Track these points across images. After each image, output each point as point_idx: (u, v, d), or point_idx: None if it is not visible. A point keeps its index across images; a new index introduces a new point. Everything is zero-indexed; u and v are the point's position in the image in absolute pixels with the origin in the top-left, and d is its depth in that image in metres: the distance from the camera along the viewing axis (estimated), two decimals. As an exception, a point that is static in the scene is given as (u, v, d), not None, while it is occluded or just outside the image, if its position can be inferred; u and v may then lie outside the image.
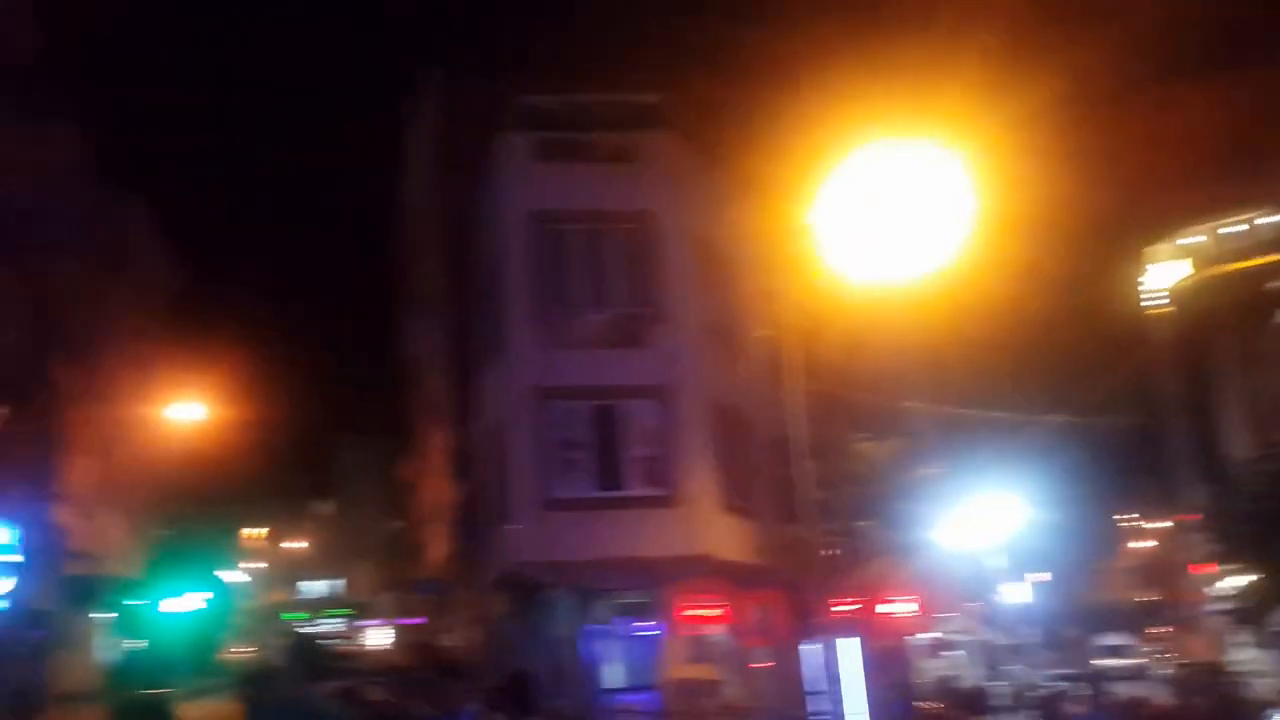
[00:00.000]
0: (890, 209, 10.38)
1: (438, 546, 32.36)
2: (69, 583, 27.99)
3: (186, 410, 30.51)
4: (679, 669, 20.75)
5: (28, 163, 21.84)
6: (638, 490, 20.44)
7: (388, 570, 64.72)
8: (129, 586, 32.79)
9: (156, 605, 39.83)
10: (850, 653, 18.01)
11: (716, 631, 21.79)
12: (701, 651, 21.33)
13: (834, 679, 17.62)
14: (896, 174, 10.28)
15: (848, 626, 19.13)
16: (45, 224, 23.39)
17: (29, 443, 23.86)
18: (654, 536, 19.72)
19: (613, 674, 21.05)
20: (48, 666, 21.73)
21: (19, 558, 21.92)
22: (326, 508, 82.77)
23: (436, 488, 33.01)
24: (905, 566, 26.86)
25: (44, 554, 24.23)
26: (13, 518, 21.57)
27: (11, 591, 21.56)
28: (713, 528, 20.95)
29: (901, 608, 25.69)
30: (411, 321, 34.60)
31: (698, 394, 21.35)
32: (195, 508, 45.13)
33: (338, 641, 63.22)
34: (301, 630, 33.59)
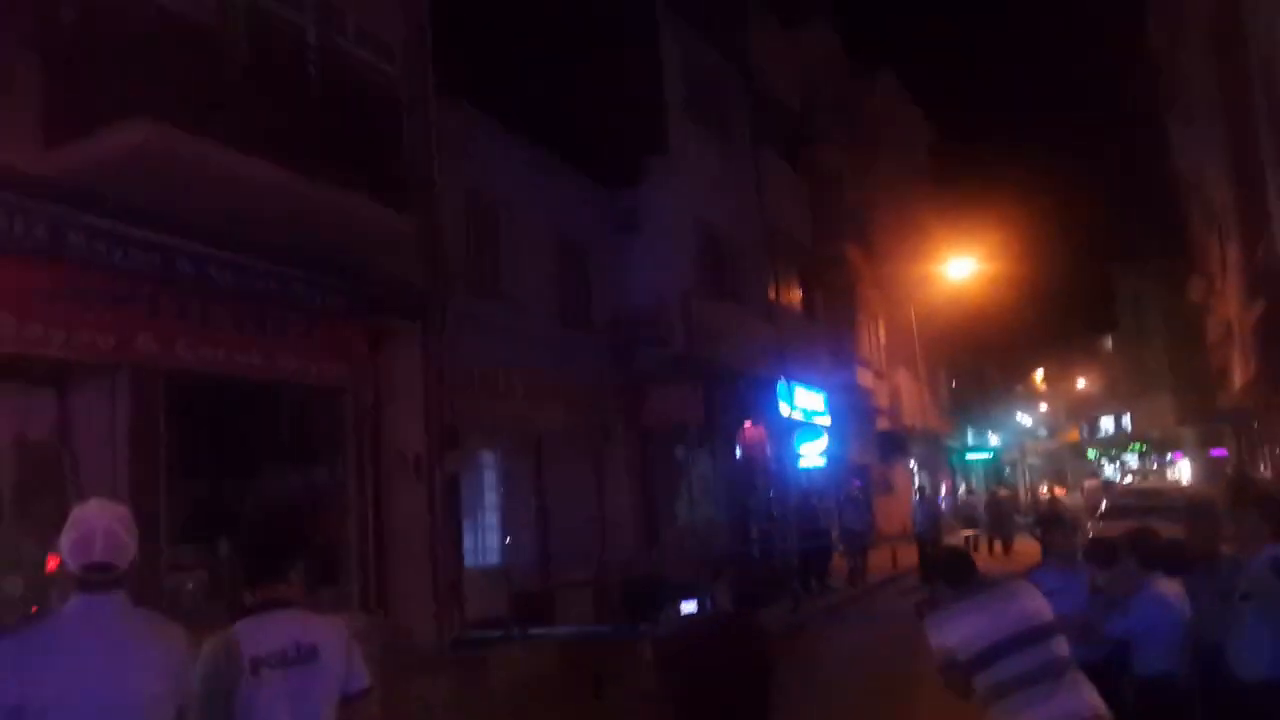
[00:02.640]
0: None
1: (1239, 371, 29.19)
2: (879, 437, 30.99)
3: (961, 265, 31.50)
4: None
5: (789, 65, 24.00)
6: None
7: (1183, 401, 60.63)
8: (929, 437, 35.12)
9: (960, 452, 42.33)
10: None
11: None
12: None
13: None
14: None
15: None
16: (812, 118, 25.57)
17: (828, 317, 26.66)
18: None
19: None
20: (871, 511, 24.33)
21: (828, 420, 24.73)
22: (1110, 342, 79.88)
23: (1231, 307, 29.71)
24: None
25: (852, 414, 27.06)
26: (821, 385, 24.36)
27: (826, 449, 24.50)
28: None
29: None
30: (1181, 130, 31.26)
31: None
32: (978, 357, 46.68)
33: (1135, 478, 61.16)
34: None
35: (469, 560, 12.58)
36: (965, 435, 42.96)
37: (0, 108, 7.18)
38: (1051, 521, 6.81)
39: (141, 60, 7.68)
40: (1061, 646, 4.30)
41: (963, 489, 42.87)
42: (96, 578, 3.13)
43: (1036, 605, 4.39)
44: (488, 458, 13.91)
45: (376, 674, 9.61)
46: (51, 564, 6.86)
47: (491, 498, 13.79)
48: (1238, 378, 29.78)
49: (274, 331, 9.62)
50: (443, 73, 12.03)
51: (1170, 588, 5.38)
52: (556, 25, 17.11)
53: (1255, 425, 29.33)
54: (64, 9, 7.86)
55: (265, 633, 3.42)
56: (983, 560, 19.97)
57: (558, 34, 16.98)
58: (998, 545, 27.91)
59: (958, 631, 4.33)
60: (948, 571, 4.66)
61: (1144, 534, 5.80)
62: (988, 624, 4.27)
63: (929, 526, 23.04)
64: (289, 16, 9.85)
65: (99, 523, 3.21)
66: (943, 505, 38.03)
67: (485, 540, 13.41)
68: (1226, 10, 22.63)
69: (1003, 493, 35.57)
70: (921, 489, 26.98)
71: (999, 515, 29.39)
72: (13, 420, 7.81)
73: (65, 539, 3.17)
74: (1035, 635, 4.25)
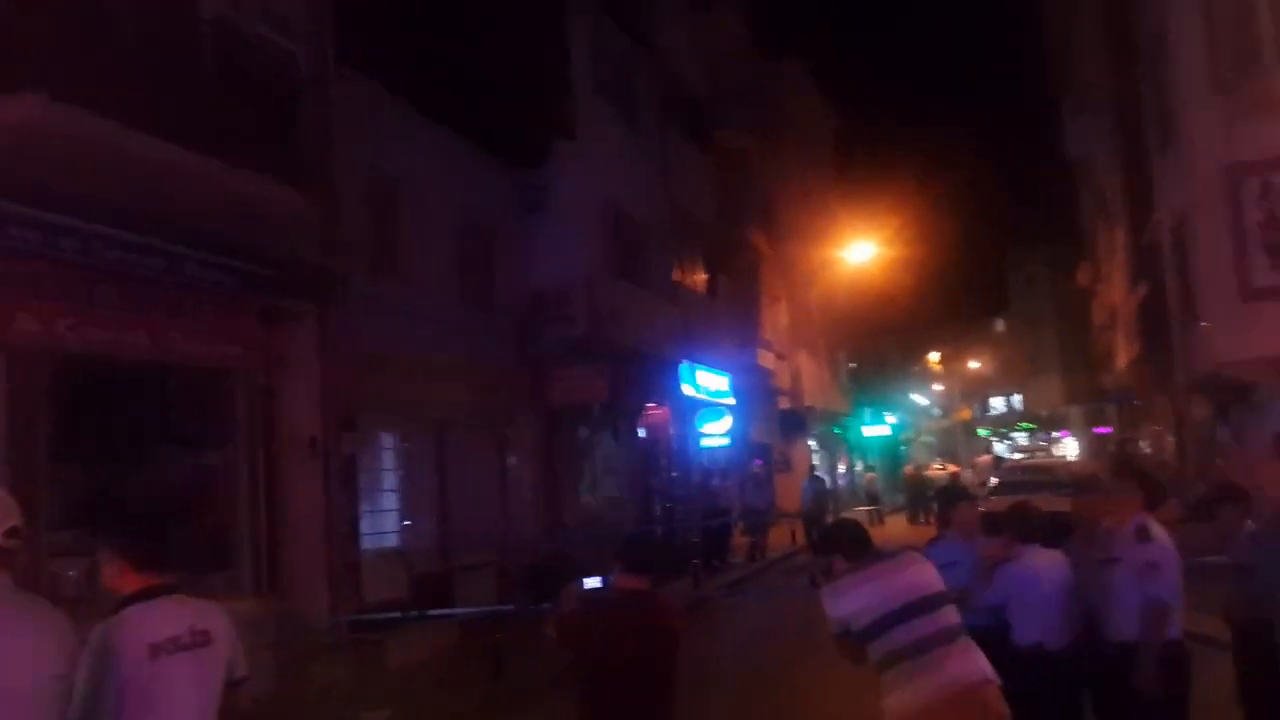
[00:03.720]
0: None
1: (1123, 352, 30.45)
2: (780, 416, 31.51)
3: (862, 249, 32.12)
4: None
5: (699, 51, 24.06)
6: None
7: (1070, 381, 62.90)
8: (828, 416, 35.80)
9: (856, 430, 43.25)
10: None
11: None
12: None
13: None
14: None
15: None
16: (720, 103, 25.72)
17: (731, 299, 26.93)
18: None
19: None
20: (772, 489, 24.78)
21: (732, 400, 25.07)
22: (1001, 324, 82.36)
23: (1116, 291, 30.94)
24: None
25: (754, 394, 27.44)
26: (724, 366, 24.66)
27: (730, 429, 24.84)
28: None
29: None
30: (1071, 119, 32.27)
31: None
32: (877, 339, 47.74)
33: (1024, 455, 63.33)
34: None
35: (367, 543, 12.44)
36: (863, 415, 43.91)
37: None
38: (953, 496, 6.96)
39: (26, 32, 7.39)
40: (952, 615, 4.47)
41: (859, 466, 43.87)
42: (15, 544, 3.04)
43: (926, 575, 4.55)
44: (387, 439, 13.75)
45: (272, 659, 9.47)
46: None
47: (390, 479, 13.65)
48: (1121, 359, 31.02)
49: (163, 312, 9.36)
50: (346, 49, 11.78)
51: (1046, 559, 5.60)
52: (464, 3, 16.87)
53: (1137, 404, 30.62)
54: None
55: (158, 618, 3.37)
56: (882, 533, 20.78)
57: (465, 12, 16.75)
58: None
59: (851, 602, 4.48)
60: (842, 544, 4.79)
61: (1023, 507, 6.05)
62: (879, 594, 4.42)
63: (815, 506, 23.35)
64: (182, -13, 9.55)
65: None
66: (841, 484, 38.99)
67: (384, 523, 13.27)
68: (1115, 3, 23.44)
69: (910, 470, 37.68)
70: (811, 468, 27.43)
71: (915, 493, 31.04)
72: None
73: None
74: (925, 605, 4.41)
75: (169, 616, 3.40)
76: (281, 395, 10.84)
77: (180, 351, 9.61)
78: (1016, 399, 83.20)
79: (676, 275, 22.71)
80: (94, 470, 8.96)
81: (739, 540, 22.30)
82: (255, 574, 10.38)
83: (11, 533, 3.08)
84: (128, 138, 7.99)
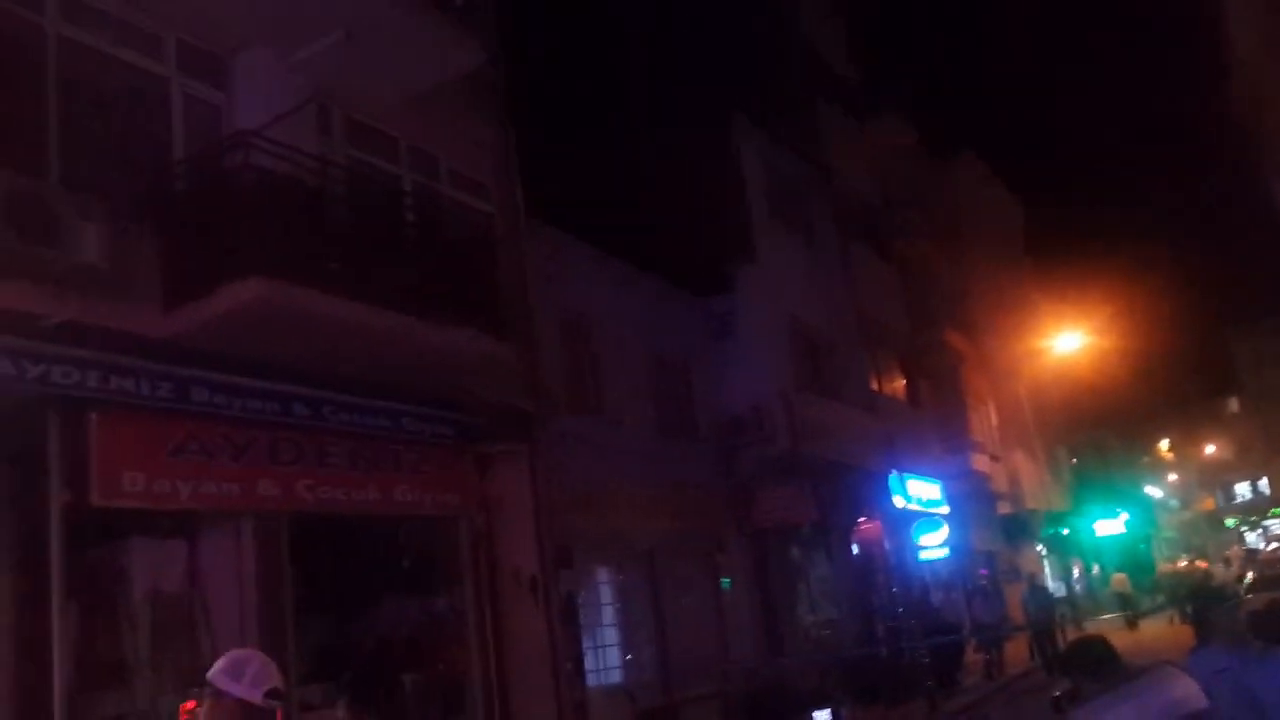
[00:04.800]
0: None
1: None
2: (1000, 522, 30.00)
3: (1069, 339, 30.82)
4: None
5: (865, 161, 24.21)
6: None
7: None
8: (1054, 518, 33.84)
9: (1084, 531, 40.62)
10: None
11: None
12: None
13: None
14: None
15: None
16: (895, 210, 25.66)
17: (934, 404, 26.22)
18: None
19: None
20: (1002, 600, 23.38)
21: (946, 508, 24.09)
22: (1235, 403, 76.48)
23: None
24: None
25: (971, 500, 26.31)
26: (934, 474, 23.83)
27: (948, 539, 23.79)
28: None
29: None
30: (1276, 177, 30.36)
31: None
32: (1097, 432, 45.13)
33: (1276, 544, 57.68)
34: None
35: (590, 680, 12.49)
36: (1093, 513, 41.21)
37: (121, 277, 7.66)
38: (1208, 597, 6.10)
39: (249, 221, 8.13)
40: None
41: (1095, 570, 40.98)
42: (276, 704, 3.29)
43: (1187, 691, 4.11)
44: (602, 573, 13.92)
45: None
46: (185, 710, 7.06)
47: (608, 613, 13.74)
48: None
49: (388, 466, 9.90)
50: (533, 202, 12.49)
51: None
52: (639, 147, 17.66)
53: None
54: (175, 179, 8.46)
55: None
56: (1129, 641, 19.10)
57: (640, 152, 17.51)
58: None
59: None
60: (1086, 662, 4.40)
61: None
62: (1135, 717, 4.02)
63: (1041, 617, 21.38)
64: (385, 166, 10.42)
65: (260, 653, 3.42)
66: (1077, 589, 36.43)
67: (605, 658, 13.32)
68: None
69: (1166, 567, 34.45)
70: (1031, 575, 25.59)
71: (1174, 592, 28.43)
72: (148, 573, 8.14)
73: (239, 673, 3.34)
74: None
75: None
76: (499, 537, 11.18)
77: (406, 502, 10.10)
78: (1263, 483, 76.33)
79: (874, 385, 22.35)
80: (333, 623, 9.43)
81: (972, 658, 21.08)
82: (488, 717, 10.55)
83: (271, 694, 3.31)
84: (345, 308, 8.61)
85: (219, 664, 3.45)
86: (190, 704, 3.84)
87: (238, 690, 3.32)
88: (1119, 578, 34.31)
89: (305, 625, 8.88)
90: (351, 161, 9.90)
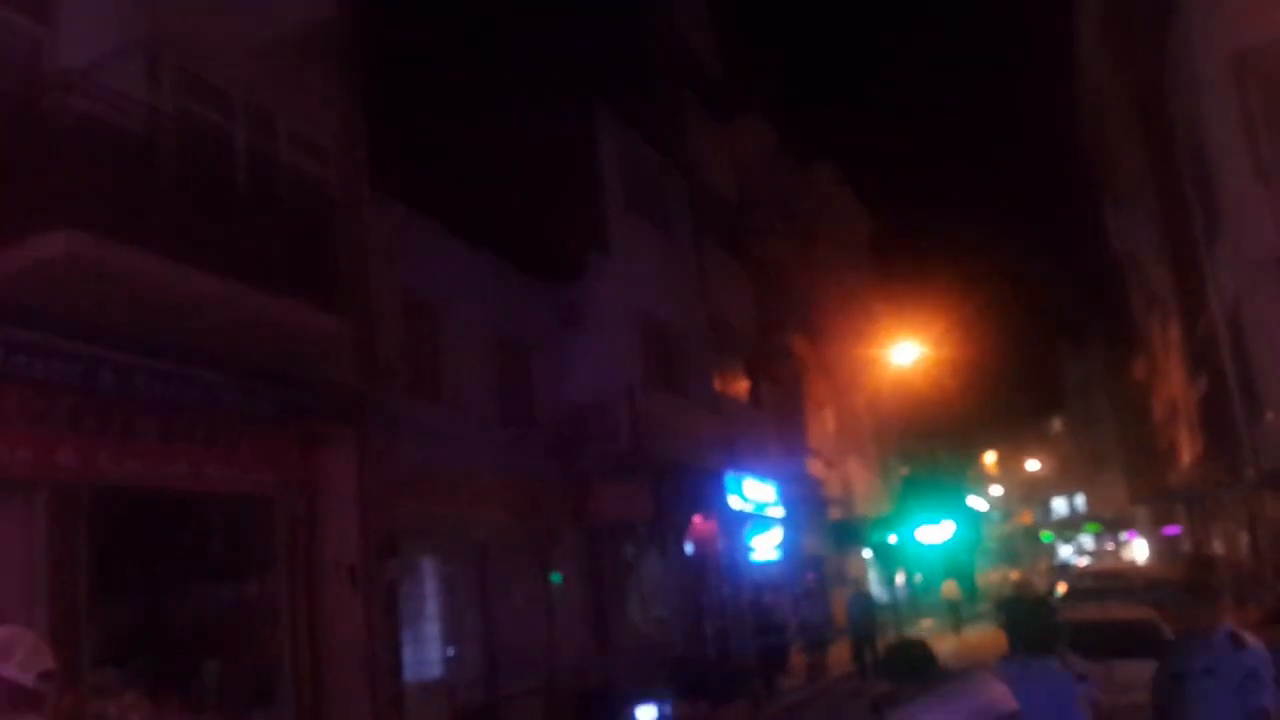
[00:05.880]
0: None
1: (1186, 448, 29.59)
2: (831, 528, 30.78)
3: (907, 351, 31.68)
4: None
5: (726, 161, 24.38)
6: None
7: (1134, 480, 61.22)
8: (882, 524, 34.96)
9: (910, 539, 42.10)
10: None
11: None
12: None
13: None
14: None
15: None
16: (752, 211, 25.93)
17: (776, 407, 26.64)
18: None
19: None
20: (828, 604, 23.96)
21: (781, 511, 24.53)
22: (1058, 423, 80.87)
23: (1175, 384, 30.25)
24: None
25: (804, 505, 26.87)
26: (771, 476, 24.22)
27: (781, 542, 24.22)
28: None
29: None
30: (1115, 212, 32.06)
31: None
32: (928, 442, 46.90)
33: (1088, 558, 61.36)
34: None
35: (409, 674, 12.08)
36: (918, 520, 42.76)
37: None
38: (1021, 606, 6.25)
39: (64, 169, 7.56)
40: None
41: (918, 578, 42.55)
42: (48, 687, 3.07)
43: (998, 695, 4.27)
44: (428, 564, 13.50)
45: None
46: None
47: (432, 606, 13.34)
48: (1186, 455, 30.12)
49: (201, 441, 9.33)
50: (378, 173, 11.98)
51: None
52: (495, 126, 17.24)
53: (1205, 502, 29.55)
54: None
55: None
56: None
57: (496, 132, 17.10)
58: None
59: None
60: (904, 665, 4.52)
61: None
62: (952, 718, 4.13)
63: (863, 622, 21.40)
64: (218, 121, 9.78)
65: (32, 633, 3.17)
66: (900, 596, 37.73)
67: (426, 652, 12.92)
68: (1149, 96, 23.43)
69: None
70: (856, 581, 26.26)
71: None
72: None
73: (8, 653, 3.08)
74: None
75: None
76: (321, 523, 10.69)
77: (219, 480, 9.55)
78: (1080, 500, 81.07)
79: (718, 385, 22.51)
80: (134, 605, 8.82)
81: (797, 659, 21.49)
82: (298, 711, 10.08)
83: (44, 676, 3.10)
84: (166, 269, 8.08)
85: None
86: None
87: (7, 672, 3.06)
88: (949, 585, 35.75)
89: (105, 606, 8.29)
90: (181, 113, 9.24)
